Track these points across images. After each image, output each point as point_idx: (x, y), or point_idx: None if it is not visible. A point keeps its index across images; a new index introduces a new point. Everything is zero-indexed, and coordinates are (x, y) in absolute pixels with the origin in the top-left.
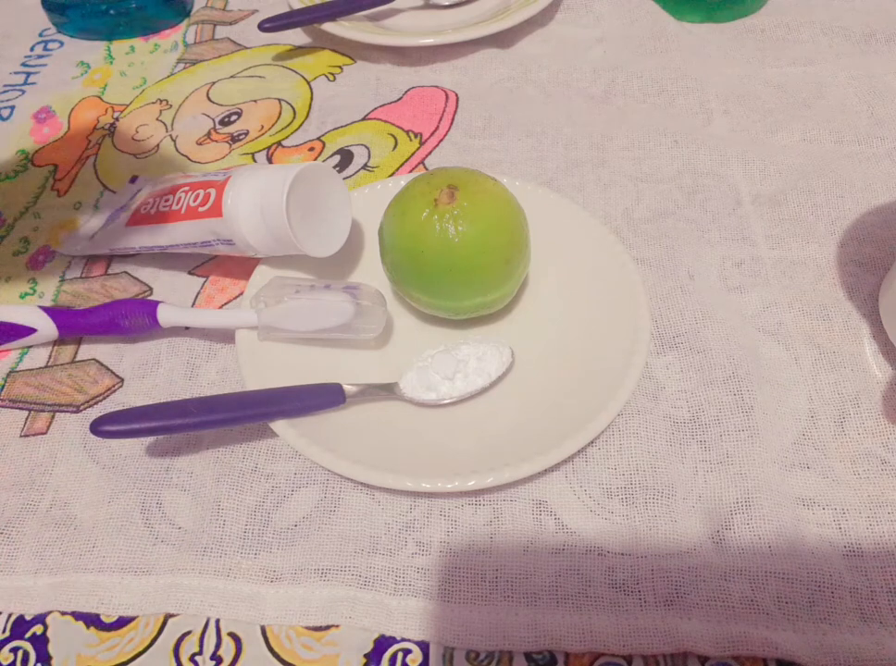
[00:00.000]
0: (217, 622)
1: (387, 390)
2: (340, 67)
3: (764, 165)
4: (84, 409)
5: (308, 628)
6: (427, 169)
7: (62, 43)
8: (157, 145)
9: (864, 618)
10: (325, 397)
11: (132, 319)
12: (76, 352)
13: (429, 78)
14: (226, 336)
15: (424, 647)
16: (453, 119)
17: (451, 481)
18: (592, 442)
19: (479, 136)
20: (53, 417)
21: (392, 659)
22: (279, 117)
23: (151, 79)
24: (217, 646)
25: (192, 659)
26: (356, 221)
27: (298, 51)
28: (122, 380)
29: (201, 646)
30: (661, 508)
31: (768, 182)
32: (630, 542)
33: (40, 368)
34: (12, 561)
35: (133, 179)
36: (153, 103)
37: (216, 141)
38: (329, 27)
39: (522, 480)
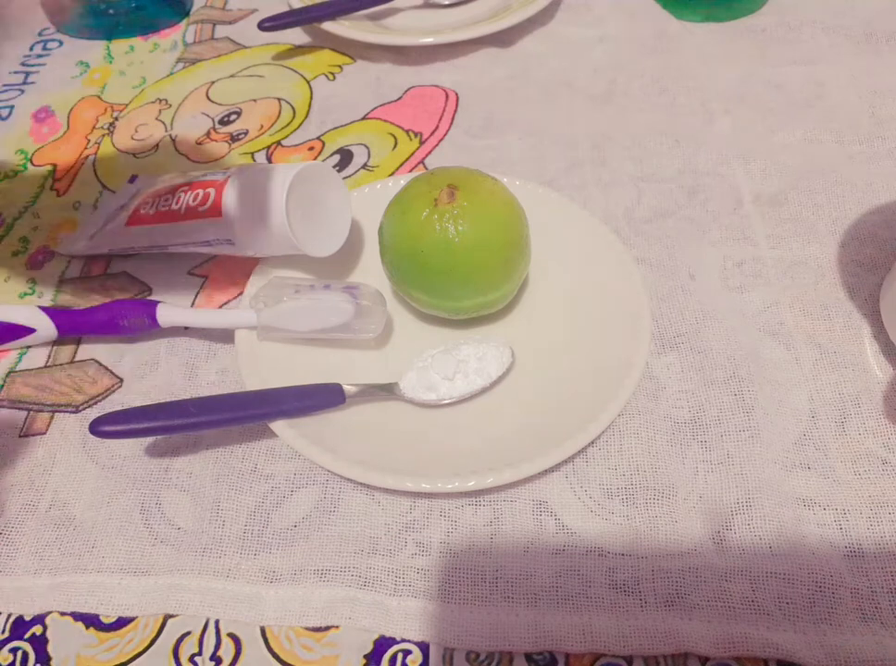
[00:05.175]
0: (217, 622)
1: (387, 390)
2: (339, 66)
3: (765, 164)
4: (83, 409)
5: (308, 629)
6: (427, 169)
7: (61, 43)
8: (157, 145)
9: (865, 618)
10: (325, 397)
11: (132, 319)
12: (75, 352)
13: (428, 77)
14: (225, 336)
15: (424, 647)
16: (453, 119)
17: (451, 481)
18: (593, 442)
19: (479, 136)
20: (52, 417)
21: (392, 659)
22: (278, 117)
23: (150, 78)
24: (217, 646)
25: (191, 659)
26: (356, 221)
27: (298, 50)
28: (121, 380)
29: (200, 646)
30: (662, 508)
31: (769, 182)
32: (631, 543)
33: (39, 368)
34: (12, 562)
35: (133, 179)
36: (152, 102)
37: (215, 140)
38: (328, 26)
39: (522, 480)
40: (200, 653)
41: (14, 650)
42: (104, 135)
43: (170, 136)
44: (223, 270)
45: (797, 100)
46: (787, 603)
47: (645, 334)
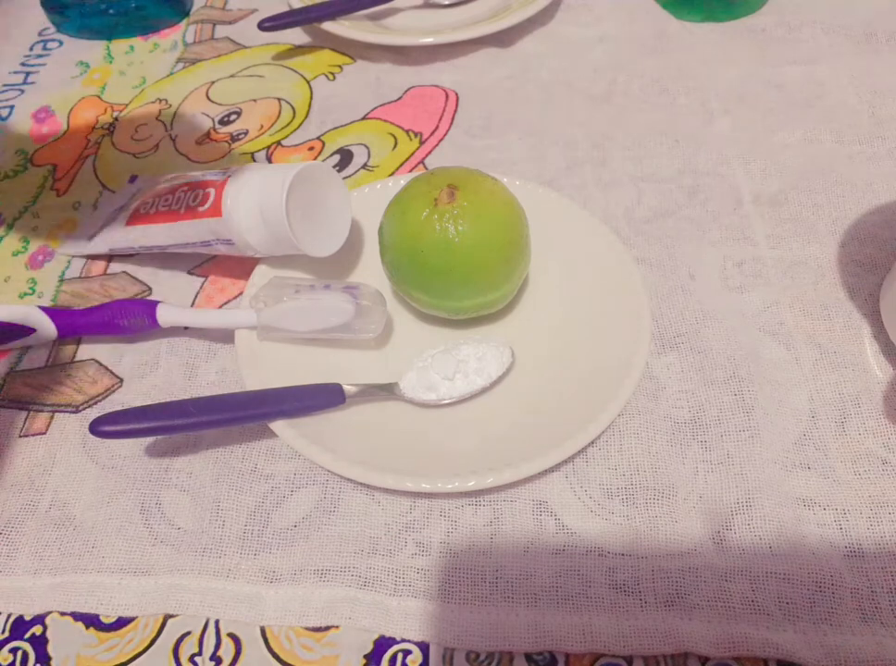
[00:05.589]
0: (217, 622)
1: (387, 390)
2: (339, 66)
3: (765, 164)
4: (83, 409)
5: (308, 629)
6: (427, 169)
7: (61, 43)
8: (157, 145)
9: (865, 618)
10: (325, 397)
11: (131, 319)
12: (75, 352)
13: (428, 77)
14: (225, 336)
15: (424, 647)
16: (453, 119)
17: (451, 481)
18: (593, 442)
19: (479, 136)
20: (52, 417)
21: (392, 659)
22: (278, 117)
23: (150, 78)
24: (217, 646)
25: (191, 659)
26: (356, 221)
27: (298, 50)
28: (121, 380)
29: (200, 646)
30: (662, 508)
31: (769, 182)
32: (631, 543)
33: (39, 368)
34: (11, 562)
35: (132, 179)
36: (152, 102)
37: (215, 140)
38: (328, 26)
39: (522, 480)
40: (200, 653)
41: (14, 650)
42: (104, 135)
43: (170, 136)
44: (223, 270)
45: (797, 100)
46: (787, 603)
47: (645, 334)
